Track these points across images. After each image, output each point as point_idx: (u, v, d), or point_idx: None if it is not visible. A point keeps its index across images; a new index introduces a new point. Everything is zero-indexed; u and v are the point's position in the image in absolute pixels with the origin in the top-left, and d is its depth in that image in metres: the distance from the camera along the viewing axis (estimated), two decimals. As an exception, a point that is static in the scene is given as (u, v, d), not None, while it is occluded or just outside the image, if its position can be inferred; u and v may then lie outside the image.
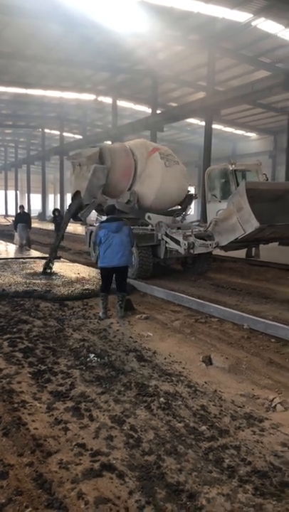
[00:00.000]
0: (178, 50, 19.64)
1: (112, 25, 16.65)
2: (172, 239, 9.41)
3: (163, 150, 10.84)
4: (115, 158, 10.02)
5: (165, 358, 4.90)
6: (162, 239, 9.67)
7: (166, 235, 9.56)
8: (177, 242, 9.24)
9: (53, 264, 9.88)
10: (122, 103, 27.87)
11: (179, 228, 10.02)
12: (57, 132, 37.91)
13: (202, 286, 9.35)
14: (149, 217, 10.20)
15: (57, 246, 10.47)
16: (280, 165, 28.59)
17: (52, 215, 17.37)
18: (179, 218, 11.05)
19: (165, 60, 20.97)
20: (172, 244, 9.42)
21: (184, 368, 4.62)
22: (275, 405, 3.78)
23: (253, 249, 12.64)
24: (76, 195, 10.02)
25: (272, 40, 17.52)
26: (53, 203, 61.43)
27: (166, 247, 9.69)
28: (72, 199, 10.22)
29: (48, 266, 9.75)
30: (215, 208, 10.43)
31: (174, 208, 11.08)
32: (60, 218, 15.78)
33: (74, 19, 16.19)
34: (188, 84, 23.91)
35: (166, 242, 9.60)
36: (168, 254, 9.82)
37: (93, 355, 4.87)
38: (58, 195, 42.65)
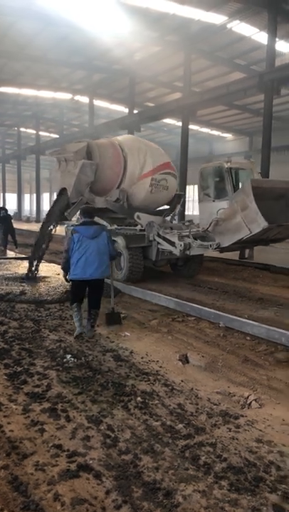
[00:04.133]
0: (155, 50, 19.68)
1: (88, 24, 16.54)
2: (166, 240, 9.03)
3: (154, 148, 10.49)
4: (104, 154, 9.53)
5: (142, 358, 4.91)
6: (154, 239, 9.29)
7: (159, 235, 9.19)
8: (171, 243, 8.86)
9: (36, 269, 9.32)
10: (98, 102, 27.75)
11: (171, 228, 9.62)
12: (33, 131, 37.43)
13: (179, 286, 9.41)
14: (138, 217, 9.74)
15: (43, 248, 9.53)
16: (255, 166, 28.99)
17: None
18: (168, 218, 10.67)
19: (142, 60, 20.99)
20: (166, 246, 9.03)
21: (160, 367, 4.65)
22: (250, 402, 3.85)
23: (247, 250, 12.31)
24: (62, 193, 9.45)
25: (247, 43, 17.77)
26: (28, 202, 60.68)
27: (158, 249, 9.32)
28: (58, 197, 9.65)
29: (31, 270, 9.21)
30: (208, 207, 9.89)
31: (162, 208, 10.70)
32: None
33: (48, 16, 16.01)
34: (165, 85, 24.00)
35: (158, 243, 9.23)
36: (160, 255, 9.44)
37: (70, 355, 4.85)
38: (34, 195, 42.12)
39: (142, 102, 27.15)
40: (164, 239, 9.09)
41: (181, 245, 8.61)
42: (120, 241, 9.24)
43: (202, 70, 21.00)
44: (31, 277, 9.15)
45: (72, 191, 9.15)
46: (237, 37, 17.35)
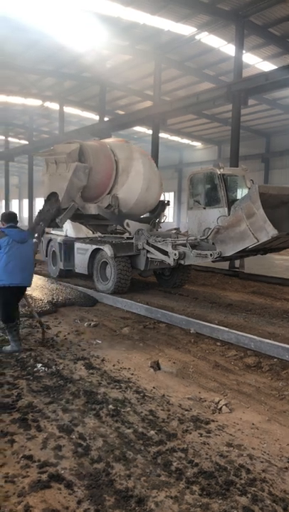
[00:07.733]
0: (126, 59, 19.83)
1: (58, 31, 16.51)
2: (157, 248, 8.72)
3: (143, 153, 10.30)
4: (97, 157, 9.15)
5: (114, 365, 4.91)
6: (143, 248, 9.02)
7: (148, 243, 8.89)
8: (164, 252, 8.55)
9: None
10: (69, 109, 27.65)
11: (159, 237, 9.26)
12: (2, 137, 36.90)
13: (150, 293, 9.45)
14: (128, 225, 9.40)
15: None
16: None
17: None
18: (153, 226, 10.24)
19: (113, 68, 21.09)
20: (157, 255, 8.73)
21: (132, 374, 4.65)
22: (221, 407, 3.90)
23: (238, 260, 11.87)
24: (51, 198, 8.94)
25: (215, 54, 18.16)
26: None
27: (147, 258, 9.02)
28: (46, 201, 9.11)
29: None
30: (198, 215, 9.40)
31: (146, 215, 10.39)
32: None
33: (16, 22, 15.88)
34: (135, 93, 24.19)
35: (147, 251, 8.92)
36: (149, 265, 9.13)
37: (40, 364, 4.79)
38: (3, 201, 41.39)
39: (113, 110, 27.26)
40: (155, 247, 8.78)
41: (175, 254, 8.31)
42: (107, 250, 8.90)
43: (172, 80, 21.31)
44: None
45: (64, 196, 8.68)
46: (206, 48, 17.72)
